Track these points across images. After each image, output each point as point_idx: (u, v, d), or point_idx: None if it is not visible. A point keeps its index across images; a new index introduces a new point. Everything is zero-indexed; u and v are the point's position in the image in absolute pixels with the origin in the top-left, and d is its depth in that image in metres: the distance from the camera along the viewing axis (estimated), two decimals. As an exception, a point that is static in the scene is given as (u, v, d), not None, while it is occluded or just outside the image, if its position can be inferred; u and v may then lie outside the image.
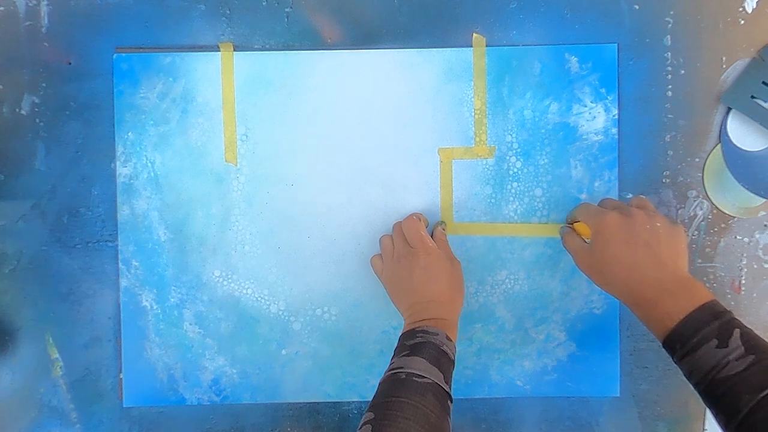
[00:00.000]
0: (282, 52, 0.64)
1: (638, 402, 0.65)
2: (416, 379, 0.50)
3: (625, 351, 0.65)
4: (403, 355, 0.52)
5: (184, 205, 0.65)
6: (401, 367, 0.51)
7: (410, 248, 0.59)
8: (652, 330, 0.50)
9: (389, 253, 0.61)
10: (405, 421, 0.46)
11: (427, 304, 0.57)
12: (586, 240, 0.56)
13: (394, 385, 0.50)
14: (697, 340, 0.46)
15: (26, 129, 0.64)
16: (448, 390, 0.51)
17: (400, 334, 0.56)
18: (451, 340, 0.54)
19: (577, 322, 0.65)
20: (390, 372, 0.52)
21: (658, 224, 0.52)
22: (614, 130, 0.64)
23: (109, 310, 0.65)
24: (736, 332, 0.46)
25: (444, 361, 0.52)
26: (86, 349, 0.65)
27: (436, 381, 0.50)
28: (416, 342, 0.53)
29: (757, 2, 0.63)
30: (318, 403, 0.65)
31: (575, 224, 0.59)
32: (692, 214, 0.65)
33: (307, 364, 0.65)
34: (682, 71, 0.64)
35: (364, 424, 0.47)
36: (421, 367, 0.51)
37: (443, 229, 0.63)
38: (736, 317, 0.47)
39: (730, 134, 0.63)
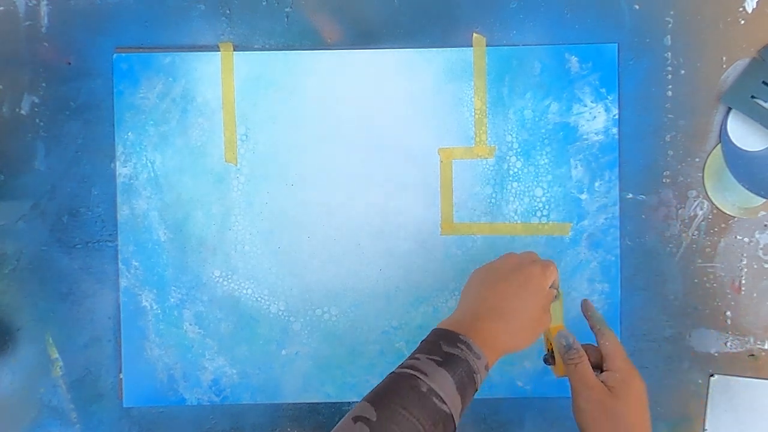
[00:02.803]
0: (282, 52, 0.64)
1: (638, 402, 0.65)
2: (436, 401, 0.44)
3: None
4: (433, 361, 0.46)
5: (184, 205, 0.65)
6: (426, 375, 0.45)
7: (535, 265, 0.52)
8: None
9: (513, 255, 0.55)
10: None
11: (496, 320, 0.50)
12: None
13: (408, 395, 0.44)
14: None
15: (26, 129, 0.64)
16: (457, 424, 0.46)
17: (436, 327, 0.50)
18: (486, 370, 0.48)
19: (577, 323, 0.65)
20: (410, 372, 0.45)
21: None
22: (614, 130, 0.64)
23: (109, 310, 0.65)
24: None
25: (468, 392, 0.46)
26: (86, 349, 0.65)
27: (452, 413, 0.45)
28: (453, 353, 0.46)
29: (757, 2, 0.63)
30: (318, 403, 0.65)
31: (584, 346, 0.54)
32: (692, 214, 0.65)
33: (307, 364, 0.65)
34: (682, 71, 0.64)
35: (362, 419, 0.42)
36: (446, 389, 0.45)
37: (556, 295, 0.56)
38: None
39: (730, 134, 0.63)
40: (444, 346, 0.47)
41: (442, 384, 0.45)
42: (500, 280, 0.52)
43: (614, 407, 0.50)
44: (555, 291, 0.55)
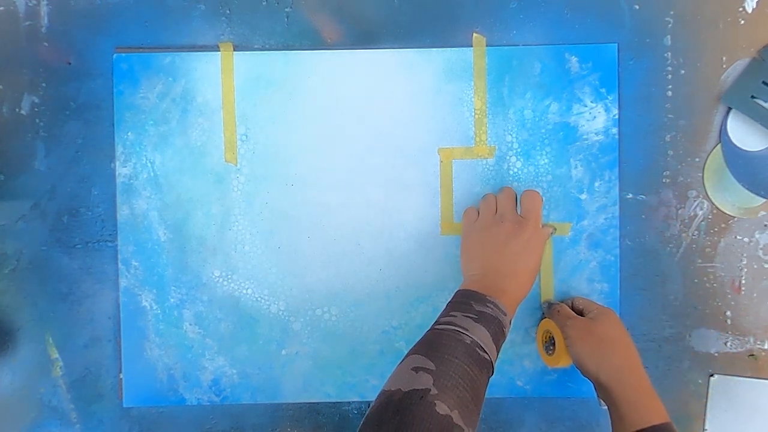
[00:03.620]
0: (282, 52, 0.64)
1: (638, 402, 0.65)
2: (479, 351, 0.49)
3: (625, 351, 0.65)
4: (469, 318, 0.51)
5: (184, 205, 0.65)
6: (466, 330, 0.50)
7: (519, 217, 0.59)
8: (629, 414, 0.53)
9: (491, 210, 0.60)
10: (464, 391, 0.46)
11: (508, 278, 0.56)
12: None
13: (457, 346, 0.48)
14: None
15: (26, 129, 0.64)
16: (494, 370, 0.51)
17: (460, 288, 0.56)
18: (510, 324, 0.54)
19: (577, 322, 0.65)
20: (452, 328, 0.50)
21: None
22: (614, 130, 0.64)
23: (109, 310, 0.65)
24: None
25: (500, 343, 0.52)
26: (86, 349, 0.65)
27: (491, 360, 0.50)
28: (485, 312, 0.52)
29: (757, 2, 0.63)
30: (318, 403, 0.65)
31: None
32: (692, 214, 0.65)
33: (307, 364, 0.65)
34: (682, 71, 0.64)
35: (422, 369, 0.46)
36: (485, 340, 0.50)
37: (552, 232, 0.62)
38: None
39: (730, 134, 0.63)
40: (475, 306, 0.52)
41: (482, 336, 0.50)
42: (503, 245, 0.57)
43: (595, 327, 0.57)
44: (550, 229, 0.61)
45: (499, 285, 0.55)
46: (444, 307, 0.55)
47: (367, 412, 0.45)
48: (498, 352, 0.52)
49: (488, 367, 0.50)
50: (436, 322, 0.52)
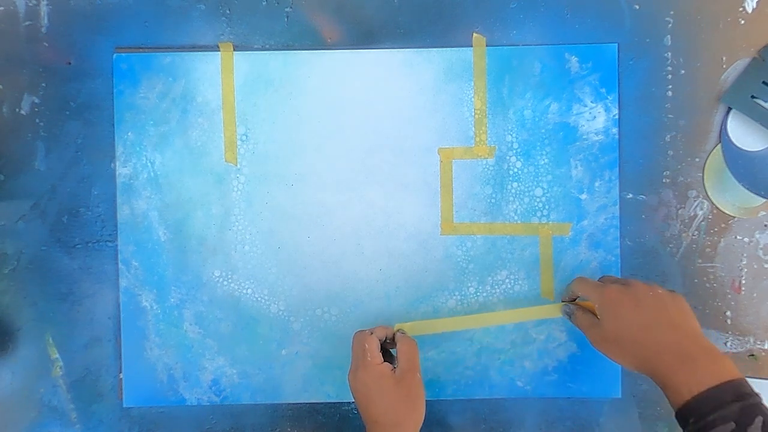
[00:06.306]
0: (282, 52, 0.64)
1: (639, 402, 0.65)
2: None
3: (625, 351, 0.65)
4: None
5: (184, 205, 0.65)
6: None
7: (356, 369, 0.56)
8: (668, 398, 0.48)
9: (362, 353, 0.57)
10: None
11: (372, 426, 0.53)
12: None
13: None
14: (712, 419, 0.43)
15: (26, 129, 0.64)
16: None
17: None
18: None
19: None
20: None
21: (660, 291, 0.53)
22: (614, 130, 0.64)
23: (109, 310, 0.65)
24: (758, 420, 0.42)
25: None
26: (86, 349, 0.65)
27: None
28: None
29: (757, 2, 0.63)
30: (318, 403, 0.65)
31: (577, 301, 0.60)
32: (692, 214, 0.65)
33: (307, 364, 0.65)
34: (682, 71, 0.64)
35: None
36: None
37: (402, 333, 0.59)
38: (764, 403, 0.43)
39: (730, 134, 0.63)
40: None
41: None
42: (355, 392, 0.56)
43: (604, 334, 0.53)
44: (400, 331, 0.60)
45: None
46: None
47: None
48: None
49: None
50: None
